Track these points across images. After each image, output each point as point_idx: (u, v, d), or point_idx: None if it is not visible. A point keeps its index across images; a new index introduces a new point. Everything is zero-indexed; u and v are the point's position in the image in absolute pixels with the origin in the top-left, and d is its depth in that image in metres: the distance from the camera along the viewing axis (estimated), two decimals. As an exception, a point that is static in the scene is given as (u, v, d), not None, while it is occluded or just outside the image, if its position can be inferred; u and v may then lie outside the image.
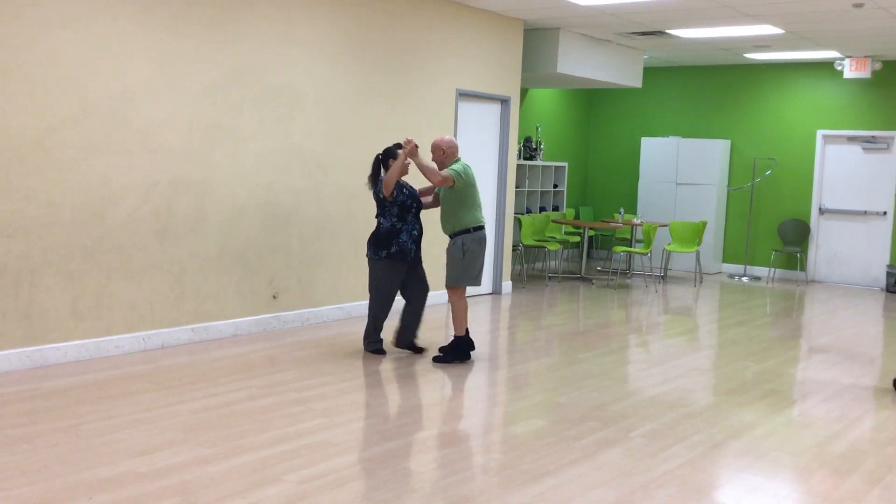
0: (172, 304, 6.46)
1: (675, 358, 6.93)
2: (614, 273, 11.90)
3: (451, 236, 6.34)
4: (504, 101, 9.60)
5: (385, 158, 6.30)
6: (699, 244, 11.35)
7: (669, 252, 11.79)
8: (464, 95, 9.06)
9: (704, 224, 11.39)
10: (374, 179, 6.35)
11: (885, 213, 11.73)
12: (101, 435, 4.42)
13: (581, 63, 10.40)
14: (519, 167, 11.62)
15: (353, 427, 4.75)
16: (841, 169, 12.02)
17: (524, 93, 12.27)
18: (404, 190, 6.31)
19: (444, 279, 6.40)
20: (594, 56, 10.61)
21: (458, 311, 6.36)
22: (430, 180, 6.18)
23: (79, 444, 4.28)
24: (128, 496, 3.65)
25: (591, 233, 13.00)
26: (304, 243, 7.45)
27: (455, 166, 6.22)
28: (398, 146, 6.25)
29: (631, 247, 11.63)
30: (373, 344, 6.51)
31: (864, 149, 11.83)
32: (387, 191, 6.17)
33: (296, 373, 5.88)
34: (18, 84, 5.47)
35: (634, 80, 11.51)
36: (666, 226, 11.71)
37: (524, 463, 4.30)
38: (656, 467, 4.31)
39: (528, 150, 12.10)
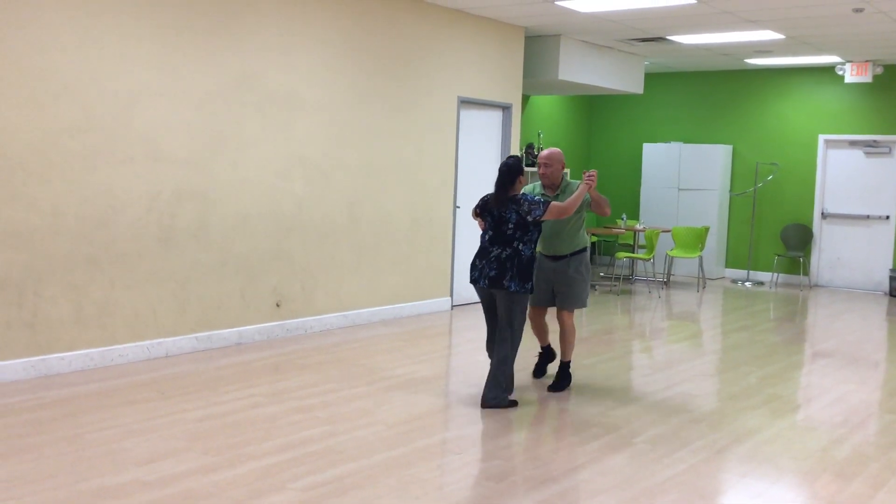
0: (176, 312, 6.48)
1: (679, 363, 6.93)
2: (617, 279, 11.90)
3: (565, 256, 5.86)
4: (506, 108, 9.62)
5: (515, 175, 5.41)
6: (702, 249, 11.35)
7: (672, 257, 11.80)
8: (465, 102, 9.09)
9: (707, 229, 11.39)
10: (504, 199, 5.42)
11: (887, 217, 11.72)
12: (105, 444, 4.43)
13: (582, 70, 10.42)
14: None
15: (357, 434, 4.75)
16: (843, 173, 12.02)
17: (526, 100, 12.29)
18: None
19: (563, 303, 5.89)
20: (595, 62, 10.64)
21: (574, 334, 6.01)
22: (603, 212, 5.72)
23: (84, 453, 4.29)
24: (133, 505, 3.67)
25: (594, 239, 12.99)
26: (307, 250, 7.47)
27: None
28: (518, 159, 5.48)
29: (634, 252, 11.63)
30: (510, 399, 5.50)
31: (865, 153, 11.83)
32: (563, 215, 5.41)
33: (300, 380, 5.89)
34: (22, 92, 5.50)
35: (636, 86, 11.53)
36: (668, 231, 11.71)
37: (528, 469, 4.31)
38: (660, 473, 4.31)
39: (530, 157, 12.11)
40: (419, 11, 8.33)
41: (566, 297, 5.89)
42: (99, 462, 4.16)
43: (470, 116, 9.23)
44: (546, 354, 6.31)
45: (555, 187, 5.82)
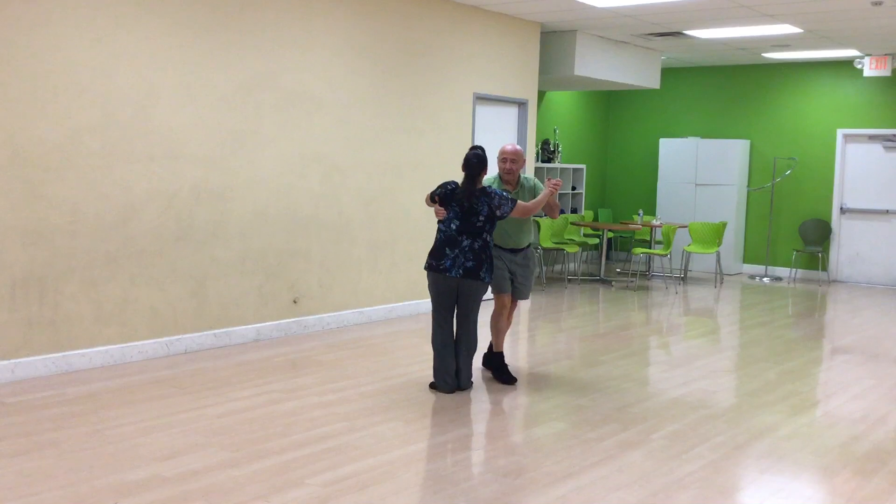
0: (195, 309, 6.52)
1: (697, 359, 6.90)
2: (634, 275, 11.86)
3: (523, 249, 6.00)
4: (521, 104, 9.61)
5: (484, 167, 5.50)
6: (719, 245, 11.30)
7: (689, 253, 11.75)
8: (481, 99, 9.08)
9: (724, 225, 11.33)
10: (475, 192, 5.47)
11: (907, 211, 11.64)
12: (126, 439, 4.47)
13: (598, 65, 10.39)
14: (537, 170, 11.62)
15: (375, 430, 4.77)
16: (862, 168, 11.93)
17: (541, 95, 12.27)
18: None
19: (522, 293, 6.08)
20: (612, 58, 10.60)
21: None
22: (554, 215, 5.91)
23: (104, 448, 4.33)
24: (153, 500, 3.70)
25: (610, 235, 12.96)
26: (324, 248, 7.50)
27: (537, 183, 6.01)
28: (484, 150, 5.56)
29: (650, 248, 11.59)
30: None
31: (885, 147, 11.74)
32: (526, 215, 5.61)
33: (317, 377, 5.91)
34: (41, 93, 5.54)
35: (652, 81, 11.49)
36: (685, 227, 11.67)
37: (546, 465, 4.31)
38: (678, 469, 4.30)
39: (547, 152, 12.10)
40: (435, 8, 8.33)
41: (525, 288, 6.09)
42: (119, 457, 4.20)
43: (486, 112, 9.22)
44: (499, 360, 6.11)
45: (514, 184, 5.88)
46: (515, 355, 6.94)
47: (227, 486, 3.87)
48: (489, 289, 5.88)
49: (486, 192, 5.46)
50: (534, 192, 5.90)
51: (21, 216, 5.49)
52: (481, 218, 5.43)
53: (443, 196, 5.53)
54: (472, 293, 5.55)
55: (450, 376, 5.62)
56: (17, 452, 4.23)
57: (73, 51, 5.67)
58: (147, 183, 6.13)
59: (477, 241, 5.45)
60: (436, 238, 5.59)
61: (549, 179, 5.66)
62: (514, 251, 5.97)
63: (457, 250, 5.45)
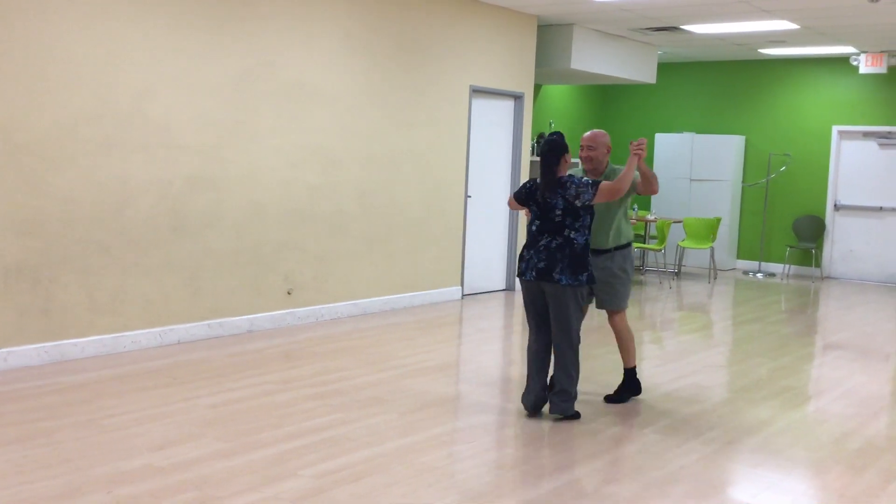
0: (189, 299, 6.51)
1: (690, 354, 6.92)
2: (628, 269, 11.85)
3: (608, 250, 5.24)
4: (517, 98, 9.60)
5: (560, 154, 4.88)
6: (713, 240, 11.31)
7: (683, 248, 11.77)
8: (477, 92, 9.07)
9: (719, 220, 11.35)
10: (553, 183, 4.88)
11: (901, 209, 11.67)
12: (119, 429, 4.46)
13: (595, 59, 10.38)
14: (532, 163, 11.60)
15: (369, 422, 4.77)
16: (856, 165, 11.95)
17: (538, 89, 12.26)
18: None
19: (611, 303, 5.29)
20: (608, 52, 10.60)
21: (631, 338, 5.41)
22: (653, 190, 5.08)
23: (98, 438, 4.32)
24: (146, 490, 3.69)
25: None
26: (319, 239, 7.48)
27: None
28: (561, 135, 4.93)
29: (645, 243, 11.61)
30: (573, 406, 5.01)
31: (879, 144, 11.76)
32: (616, 195, 4.83)
33: (311, 368, 5.91)
34: (37, 82, 5.52)
35: (649, 75, 11.48)
36: (680, 222, 11.68)
37: (539, 458, 4.32)
38: (671, 463, 4.31)
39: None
40: (432, 0, 8.30)
41: (610, 297, 5.28)
42: (112, 447, 4.19)
43: (482, 106, 9.21)
44: (631, 375, 5.50)
45: (598, 174, 5.21)
46: (509, 350, 6.94)
47: (221, 477, 3.87)
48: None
49: (561, 182, 4.84)
50: None
51: (16, 205, 5.47)
52: (558, 212, 4.83)
53: (525, 195, 5.03)
54: (553, 300, 4.87)
55: (532, 394, 5.00)
56: (9, 441, 4.22)
57: (70, 41, 5.64)
58: (142, 173, 6.11)
59: (555, 240, 4.84)
60: None
61: (631, 143, 4.85)
62: (595, 252, 5.20)
63: (532, 251, 4.92)
